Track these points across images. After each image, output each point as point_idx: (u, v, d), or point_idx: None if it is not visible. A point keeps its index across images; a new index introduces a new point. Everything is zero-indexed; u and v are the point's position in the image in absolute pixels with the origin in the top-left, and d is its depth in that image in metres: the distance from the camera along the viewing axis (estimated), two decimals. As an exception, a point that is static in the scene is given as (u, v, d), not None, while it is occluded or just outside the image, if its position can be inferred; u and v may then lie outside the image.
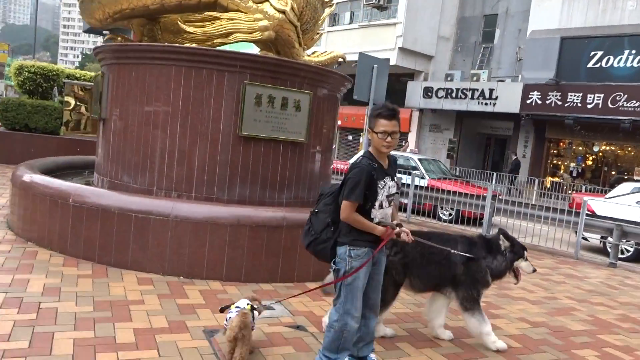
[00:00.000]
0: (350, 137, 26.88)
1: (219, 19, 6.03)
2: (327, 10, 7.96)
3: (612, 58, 17.48)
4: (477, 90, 20.16)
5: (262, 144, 5.81)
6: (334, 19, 25.46)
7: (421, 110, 23.34)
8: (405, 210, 10.57)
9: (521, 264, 4.01)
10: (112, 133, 6.17)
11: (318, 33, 7.79)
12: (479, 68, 21.93)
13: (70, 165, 7.91)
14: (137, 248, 4.93)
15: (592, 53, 17.92)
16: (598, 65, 17.77)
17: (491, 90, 19.73)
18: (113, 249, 4.97)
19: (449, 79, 21.91)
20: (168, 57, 5.65)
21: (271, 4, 5.91)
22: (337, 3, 24.81)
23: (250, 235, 4.99)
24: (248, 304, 3.46)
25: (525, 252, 4.02)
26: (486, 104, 19.92)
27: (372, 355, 3.42)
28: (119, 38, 6.67)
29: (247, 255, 5.00)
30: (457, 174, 19.95)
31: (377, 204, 3.14)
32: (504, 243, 3.97)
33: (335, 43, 24.53)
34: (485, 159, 23.69)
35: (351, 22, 24.55)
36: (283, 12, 5.93)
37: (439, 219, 11.54)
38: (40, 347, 3.16)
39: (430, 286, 4.08)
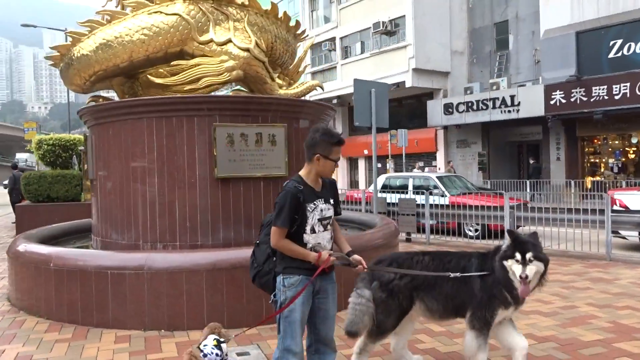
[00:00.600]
0: (379, 165, 26.55)
1: (188, 66, 6.05)
2: (307, 42, 7.96)
3: (633, 45, 16.68)
4: (498, 99, 19.63)
5: (242, 184, 5.72)
6: (346, 52, 25.66)
7: (445, 128, 22.89)
8: (423, 232, 10.17)
9: (513, 267, 3.30)
10: (99, 192, 6.23)
11: (304, 65, 7.81)
12: (497, 76, 21.42)
13: (77, 229, 8.02)
14: (116, 306, 4.85)
15: (612, 43, 17.18)
16: (619, 54, 16.99)
17: (512, 97, 19.16)
18: (94, 309, 4.90)
19: (468, 92, 21.47)
20: (137, 111, 5.71)
21: (234, 44, 5.92)
22: (346, 36, 25.13)
23: (228, 278, 4.83)
24: (215, 339, 3.34)
25: (517, 254, 3.28)
26: (509, 111, 19.32)
27: (334, 395, 3.14)
28: (100, 99, 6.81)
29: (227, 299, 4.83)
30: (489, 186, 19.32)
31: (308, 228, 2.95)
32: (506, 242, 3.47)
33: (350, 74, 24.58)
34: (520, 167, 22.86)
35: (362, 51, 24.63)
36: (247, 49, 5.92)
37: (465, 235, 11.01)
38: (-15, 421, 3.07)
39: (451, 309, 3.65)
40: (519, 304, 3.50)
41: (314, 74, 27.57)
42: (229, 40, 5.93)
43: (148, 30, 5.89)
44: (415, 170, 20.99)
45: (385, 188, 12.96)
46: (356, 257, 3.12)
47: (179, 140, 5.60)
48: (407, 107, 25.58)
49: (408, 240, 10.36)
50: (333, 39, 26.11)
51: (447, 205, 10.72)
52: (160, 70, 6.44)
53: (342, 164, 29.15)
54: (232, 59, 5.92)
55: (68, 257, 5.15)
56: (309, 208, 2.95)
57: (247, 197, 5.74)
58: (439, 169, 22.94)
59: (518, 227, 10.14)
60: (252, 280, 3.21)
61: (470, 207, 10.08)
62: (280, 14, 6.69)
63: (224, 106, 5.68)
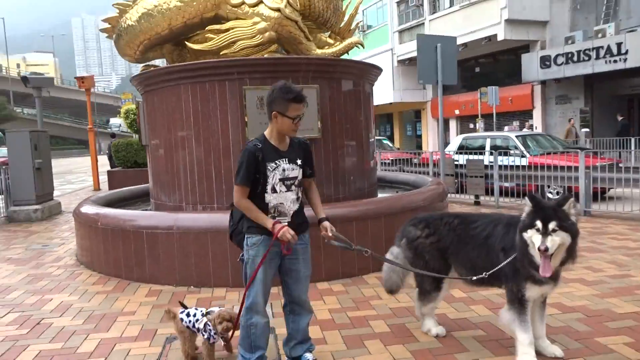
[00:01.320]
0: (471, 126, 25.35)
1: (223, 30, 6.11)
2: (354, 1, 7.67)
3: None
4: (602, 48, 17.70)
5: (274, 146, 5.74)
6: (434, 6, 24.43)
7: (543, 83, 21.16)
8: (492, 194, 9.60)
9: (533, 238, 2.85)
10: (151, 157, 6.62)
11: (356, 23, 7.59)
12: (604, 23, 19.24)
13: (146, 192, 8.60)
14: (151, 262, 5.18)
15: None
16: None
17: (618, 45, 17.16)
18: (134, 265, 5.28)
19: (569, 42, 19.56)
20: (174, 77, 5.92)
21: (265, 5, 5.89)
22: (435, -11, 23.87)
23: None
24: (203, 312, 3.41)
25: (538, 222, 2.81)
26: (615, 61, 17.37)
27: (308, 355, 3.13)
28: (151, 68, 7.13)
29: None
30: (591, 145, 17.69)
31: (269, 188, 2.92)
32: (526, 210, 2.99)
33: (439, 30, 23.43)
34: (631, 124, 20.59)
35: (451, 5, 23.30)
36: (278, 9, 5.85)
37: (546, 199, 10.24)
38: (5, 358, 3.47)
39: (482, 279, 3.25)
40: (556, 281, 3.03)
41: (400, 32, 26.68)
42: (260, 1, 5.90)
43: (184, -3, 6.03)
44: (525, 129, 19.43)
45: (462, 149, 12.40)
46: (325, 224, 3.08)
47: (212, 105, 5.73)
48: (500, 62, 23.95)
49: (477, 203, 9.86)
50: (420, -6, 24.96)
51: (525, 167, 10.02)
52: (207, 35, 6.56)
53: (433, 125, 28.20)
54: (263, 21, 5.90)
55: (112, 217, 5.57)
56: (269, 167, 2.90)
57: (280, 160, 5.77)
58: (536, 127, 21.39)
59: (609, 189, 9.25)
60: (230, 238, 3.25)
61: (551, 167, 9.32)
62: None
63: (253, 69, 5.71)
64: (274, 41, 6.10)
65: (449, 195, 10.32)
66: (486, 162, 10.12)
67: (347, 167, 6.23)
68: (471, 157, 10.47)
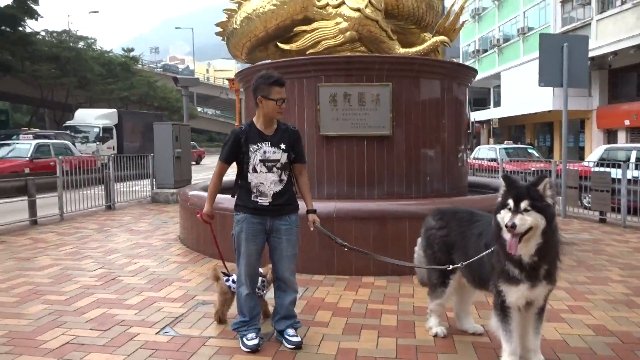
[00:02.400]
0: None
1: (309, 31, 6.46)
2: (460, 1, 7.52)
3: None
4: None
5: (345, 142, 5.94)
6: (603, 5, 21.98)
7: None
8: (619, 211, 8.47)
9: (504, 218, 2.68)
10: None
11: (461, 22, 7.45)
12: None
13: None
14: (222, 241, 5.64)
15: None
16: None
17: None
18: (210, 243, 5.88)
19: None
20: (261, 75, 6.42)
21: (347, 5, 6.11)
22: (605, -15, 21.58)
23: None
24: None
25: (510, 201, 2.65)
26: None
27: (290, 331, 3.29)
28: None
29: (300, 247, 5.19)
30: None
31: (250, 168, 3.18)
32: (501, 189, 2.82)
33: (607, 31, 21.21)
34: None
35: (623, 2, 20.75)
36: (358, 9, 6.03)
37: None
38: (71, 299, 4.22)
39: (477, 279, 3.18)
40: (535, 280, 2.74)
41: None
42: (342, 2, 6.14)
43: (276, 1, 6.52)
44: None
45: (604, 161, 11.12)
46: (309, 216, 3.37)
47: (290, 101, 6.09)
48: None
49: (602, 220, 8.76)
50: (588, -8, 22.68)
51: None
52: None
53: (598, 136, 25.39)
54: (345, 21, 6.12)
55: (197, 198, 6.27)
56: (251, 148, 3.16)
57: (350, 155, 5.94)
58: None
59: None
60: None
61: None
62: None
63: (328, 67, 5.94)
64: (355, 40, 6.27)
65: (570, 210, 9.34)
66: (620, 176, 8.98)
67: (423, 168, 6.12)
68: (597, 169, 9.38)
